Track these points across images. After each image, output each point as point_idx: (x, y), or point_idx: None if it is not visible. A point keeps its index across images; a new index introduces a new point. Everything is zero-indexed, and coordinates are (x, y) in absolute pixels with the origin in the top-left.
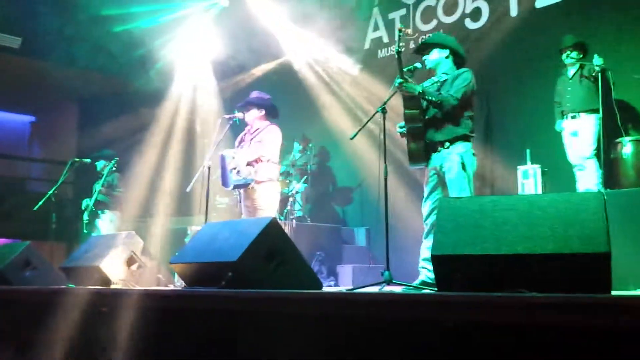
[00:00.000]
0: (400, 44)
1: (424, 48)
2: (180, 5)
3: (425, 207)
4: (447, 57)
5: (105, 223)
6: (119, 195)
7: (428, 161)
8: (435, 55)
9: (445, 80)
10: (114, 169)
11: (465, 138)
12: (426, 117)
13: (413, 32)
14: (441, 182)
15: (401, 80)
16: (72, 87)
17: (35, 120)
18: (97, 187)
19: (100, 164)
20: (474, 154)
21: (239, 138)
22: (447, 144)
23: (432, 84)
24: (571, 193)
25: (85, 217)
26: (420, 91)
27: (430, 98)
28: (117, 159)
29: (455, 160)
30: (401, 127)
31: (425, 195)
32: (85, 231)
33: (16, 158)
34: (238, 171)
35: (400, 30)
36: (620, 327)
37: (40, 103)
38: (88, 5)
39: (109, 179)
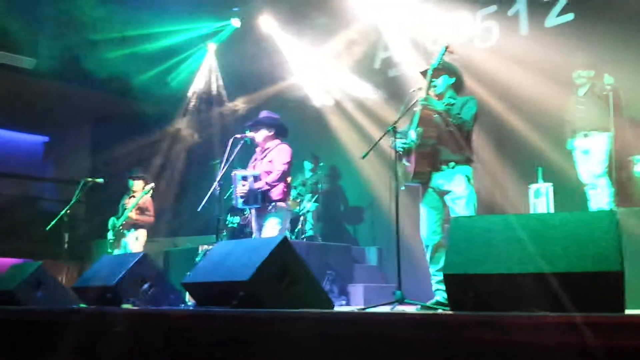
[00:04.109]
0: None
1: (437, 72)
2: (192, 27)
3: (424, 228)
4: (453, 83)
5: (132, 241)
6: (147, 217)
7: (429, 179)
8: (445, 81)
9: (453, 104)
10: (149, 194)
11: (469, 161)
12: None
13: (424, 52)
14: (440, 202)
15: (427, 96)
16: (85, 107)
17: (49, 140)
18: (127, 207)
19: (131, 183)
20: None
21: (252, 158)
22: (453, 163)
23: (445, 105)
24: (583, 212)
25: (110, 235)
26: (444, 110)
27: (451, 119)
28: (154, 184)
29: (462, 178)
30: (405, 144)
31: (422, 215)
32: (109, 250)
33: (29, 178)
34: (245, 200)
35: (446, 48)
36: (634, 346)
37: (53, 123)
38: (101, 27)
39: (139, 201)
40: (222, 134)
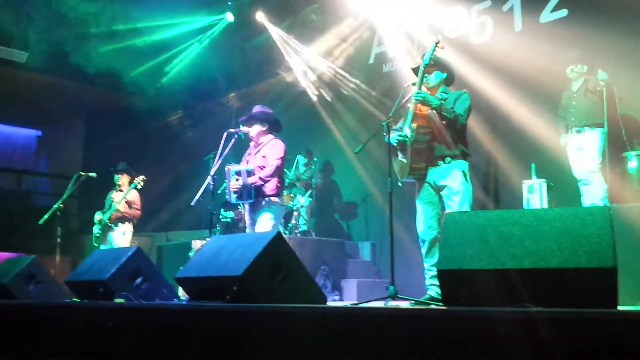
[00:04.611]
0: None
1: (429, 68)
2: (186, 21)
3: (420, 223)
4: (445, 78)
5: (118, 236)
6: (134, 211)
7: (425, 175)
8: (438, 76)
9: (445, 99)
10: (138, 187)
11: (464, 156)
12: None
13: (418, 47)
14: (436, 197)
15: (420, 91)
16: (78, 101)
17: (42, 134)
18: (114, 201)
19: (116, 177)
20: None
21: (246, 153)
22: (449, 158)
23: (438, 100)
24: (577, 207)
25: (97, 230)
26: (438, 105)
27: (445, 114)
28: (143, 177)
29: (458, 173)
30: (399, 136)
31: (419, 210)
32: (95, 244)
33: (22, 172)
34: (239, 196)
35: (437, 43)
36: (626, 342)
37: (46, 117)
38: (95, 21)
39: (126, 194)
40: (215, 128)
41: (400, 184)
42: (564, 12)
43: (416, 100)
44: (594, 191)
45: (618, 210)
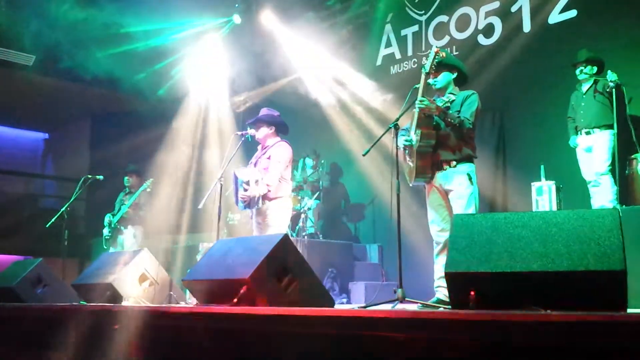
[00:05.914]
0: (431, 66)
1: (437, 69)
2: (193, 23)
3: (433, 226)
4: (454, 78)
5: (129, 238)
6: (144, 213)
7: (432, 178)
8: (446, 77)
9: (453, 101)
10: (148, 190)
11: (470, 159)
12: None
13: (426, 49)
14: (444, 200)
15: (423, 98)
16: (85, 104)
17: (49, 137)
18: (124, 203)
19: (126, 179)
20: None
21: (254, 156)
22: (454, 162)
23: (444, 104)
24: (586, 210)
25: (107, 232)
26: (441, 112)
27: (450, 119)
28: (152, 179)
29: (463, 176)
30: (406, 141)
31: (430, 214)
32: (105, 247)
33: (29, 175)
34: (247, 204)
35: (437, 54)
36: (636, 345)
37: (53, 120)
38: (101, 23)
39: (136, 197)
40: (224, 130)
41: (411, 185)
42: (572, 13)
43: (419, 107)
44: (603, 193)
45: (628, 213)
